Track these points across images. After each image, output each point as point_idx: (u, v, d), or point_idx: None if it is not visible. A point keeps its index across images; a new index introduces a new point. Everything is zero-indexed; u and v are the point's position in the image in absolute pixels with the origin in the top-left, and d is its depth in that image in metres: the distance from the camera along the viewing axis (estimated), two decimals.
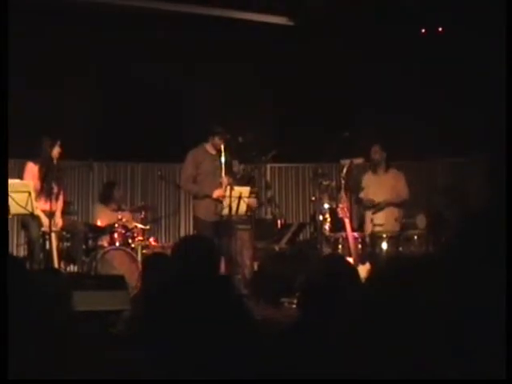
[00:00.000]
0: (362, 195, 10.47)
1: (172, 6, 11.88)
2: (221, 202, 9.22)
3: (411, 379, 1.49)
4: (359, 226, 10.60)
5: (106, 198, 10.72)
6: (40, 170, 9.03)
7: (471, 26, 11.35)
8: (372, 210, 10.32)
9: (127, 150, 12.30)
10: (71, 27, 11.44)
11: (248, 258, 10.05)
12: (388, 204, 10.28)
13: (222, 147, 9.31)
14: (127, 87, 12.04)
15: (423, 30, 12.56)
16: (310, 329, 3.01)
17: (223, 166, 9.27)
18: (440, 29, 12.47)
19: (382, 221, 10.06)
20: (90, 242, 9.93)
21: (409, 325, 1.57)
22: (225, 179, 9.26)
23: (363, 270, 7.17)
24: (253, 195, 9.75)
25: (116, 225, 9.97)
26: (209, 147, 9.60)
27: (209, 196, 9.37)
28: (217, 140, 9.44)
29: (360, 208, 10.76)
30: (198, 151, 9.64)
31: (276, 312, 3.81)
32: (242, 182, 9.74)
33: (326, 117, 12.24)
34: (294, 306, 3.93)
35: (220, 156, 9.29)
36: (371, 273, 2.05)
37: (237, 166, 10.10)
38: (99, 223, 10.26)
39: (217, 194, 9.30)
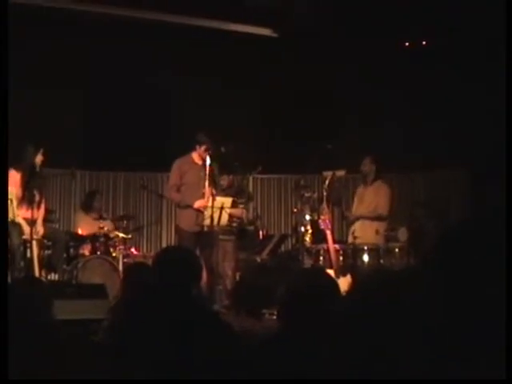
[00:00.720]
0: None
1: (158, 16, 11.88)
2: (202, 213, 9.20)
3: None
4: (342, 238, 10.62)
5: (87, 207, 10.71)
6: (22, 178, 8.99)
7: (455, 39, 11.42)
8: (350, 222, 10.36)
9: (110, 159, 12.28)
10: (58, 37, 11.43)
11: (230, 268, 10.03)
12: (361, 217, 10.26)
13: (208, 158, 9.31)
14: (111, 96, 12.04)
15: (407, 44, 12.63)
16: (290, 341, 3.02)
17: (207, 176, 9.25)
18: (424, 42, 12.54)
19: (359, 233, 10.06)
20: (72, 250, 9.89)
21: (390, 336, 1.59)
22: (208, 190, 9.24)
23: (344, 282, 7.20)
24: (241, 206, 9.77)
25: (97, 234, 9.95)
26: (195, 157, 9.57)
27: (190, 206, 9.36)
28: (202, 149, 9.42)
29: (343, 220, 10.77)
30: (183, 160, 9.62)
31: (256, 323, 3.81)
32: (230, 194, 9.75)
33: (309, 128, 12.27)
34: (275, 317, 3.93)
35: (205, 166, 9.31)
36: (352, 286, 2.07)
37: (226, 179, 10.13)
38: (80, 232, 10.25)
39: (198, 204, 9.27)
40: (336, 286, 3.52)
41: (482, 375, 1.28)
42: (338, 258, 9.61)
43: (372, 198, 10.37)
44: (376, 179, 10.45)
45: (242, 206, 9.95)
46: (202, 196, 9.25)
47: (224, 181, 10.08)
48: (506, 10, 7.57)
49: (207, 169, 9.25)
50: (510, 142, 6.94)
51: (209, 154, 9.31)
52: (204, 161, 9.35)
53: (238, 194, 10.09)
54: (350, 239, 10.09)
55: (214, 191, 9.28)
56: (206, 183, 9.23)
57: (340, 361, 1.74)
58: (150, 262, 5.95)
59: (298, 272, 3.83)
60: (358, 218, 10.27)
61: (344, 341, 1.78)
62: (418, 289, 1.52)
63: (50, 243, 9.46)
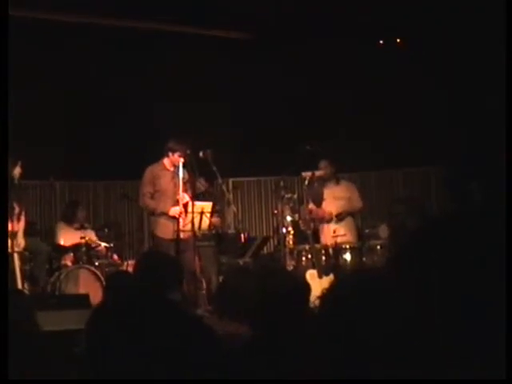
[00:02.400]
0: (312, 207, 10.45)
1: (131, 23, 11.87)
2: (178, 220, 9.12)
3: None
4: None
5: (68, 218, 10.67)
6: None
7: (430, 37, 11.49)
8: (333, 221, 10.34)
9: (89, 168, 12.26)
10: (32, 45, 11.40)
11: (213, 273, 10.03)
12: (338, 213, 10.27)
13: (181, 163, 9.27)
14: (87, 105, 12.03)
15: (381, 42, 12.67)
16: (264, 344, 3.04)
17: (181, 182, 9.20)
18: (398, 40, 12.59)
19: (343, 231, 10.09)
20: (54, 261, 9.87)
21: (369, 336, 1.60)
22: (182, 197, 9.20)
23: (327, 282, 7.22)
24: (215, 214, 9.72)
25: (79, 244, 9.93)
26: (167, 163, 9.51)
27: (165, 213, 9.32)
28: (176, 156, 9.34)
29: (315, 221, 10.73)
30: (155, 167, 9.53)
31: (239, 327, 3.82)
32: (204, 199, 9.71)
33: (287, 130, 12.29)
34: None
35: (178, 172, 9.29)
36: (330, 285, 2.09)
37: (202, 183, 10.07)
38: (62, 242, 10.21)
39: (172, 212, 9.21)
40: (307, 288, 3.55)
41: (482, 375, 1.29)
42: (320, 258, 9.66)
43: (345, 193, 10.36)
44: (339, 180, 10.48)
45: (216, 214, 9.89)
46: (177, 203, 9.20)
47: (201, 185, 10.02)
48: (505, 10, 7.61)
49: (180, 175, 9.19)
50: (510, 141, 6.98)
51: (182, 160, 9.24)
52: (176, 167, 9.30)
53: (215, 200, 10.02)
54: (329, 239, 10.06)
55: (189, 197, 9.22)
56: (180, 190, 9.18)
57: (320, 361, 1.76)
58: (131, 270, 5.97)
59: (266, 275, 3.85)
60: (336, 217, 10.26)
61: (323, 340, 1.79)
62: (399, 286, 1.52)
63: (31, 255, 9.43)
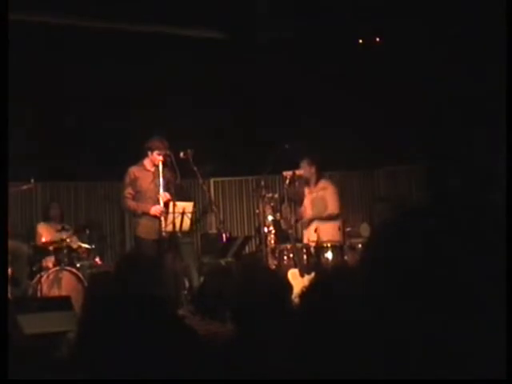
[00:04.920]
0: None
1: (115, 24, 11.85)
2: (159, 219, 9.14)
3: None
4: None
5: (46, 218, 10.79)
6: None
7: (409, 36, 11.52)
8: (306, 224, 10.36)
9: (70, 169, 12.22)
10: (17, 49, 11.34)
11: (194, 270, 10.01)
12: (315, 219, 10.26)
13: (161, 163, 9.28)
14: (69, 104, 11.99)
15: (360, 41, 12.69)
16: (246, 343, 3.06)
17: (161, 182, 9.22)
18: (377, 39, 12.62)
19: (321, 232, 10.08)
20: (35, 263, 9.83)
21: (351, 334, 1.60)
22: (163, 195, 9.22)
23: (308, 280, 7.23)
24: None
25: (60, 245, 9.91)
26: (147, 164, 9.53)
27: (147, 213, 9.31)
28: (155, 155, 9.36)
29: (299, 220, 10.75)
30: (135, 168, 9.56)
31: (221, 326, 3.84)
32: (180, 198, 9.69)
33: (267, 129, 12.31)
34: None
35: (158, 172, 9.27)
36: (311, 283, 2.10)
37: (178, 181, 10.06)
38: (44, 240, 10.19)
39: (153, 211, 9.22)
40: (288, 286, 3.57)
41: (482, 375, 1.29)
42: (301, 257, 9.67)
43: (319, 200, 10.35)
44: (318, 180, 10.46)
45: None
46: (158, 202, 9.22)
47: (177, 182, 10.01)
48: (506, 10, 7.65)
49: (161, 174, 9.21)
50: (510, 141, 7.01)
51: (161, 158, 9.26)
52: (156, 166, 9.32)
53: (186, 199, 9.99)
54: (311, 238, 10.07)
55: (167, 197, 9.22)
56: (161, 189, 9.20)
57: (303, 359, 1.77)
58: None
59: (247, 275, 3.87)
60: (313, 220, 10.27)
61: (305, 339, 1.80)
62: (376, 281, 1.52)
63: (12, 258, 9.38)
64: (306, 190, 10.43)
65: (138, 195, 9.42)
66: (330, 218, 10.26)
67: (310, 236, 10.12)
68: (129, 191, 9.45)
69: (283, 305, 3.06)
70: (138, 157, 9.81)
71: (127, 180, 9.51)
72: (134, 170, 9.53)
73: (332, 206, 10.30)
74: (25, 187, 10.34)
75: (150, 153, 9.40)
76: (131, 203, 9.47)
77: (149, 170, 9.47)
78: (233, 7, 11.48)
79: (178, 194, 9.59)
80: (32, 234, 10.68)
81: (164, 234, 9.10)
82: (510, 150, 6.77)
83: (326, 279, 1.86)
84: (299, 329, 1.82)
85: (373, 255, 1.43)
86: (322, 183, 10.42)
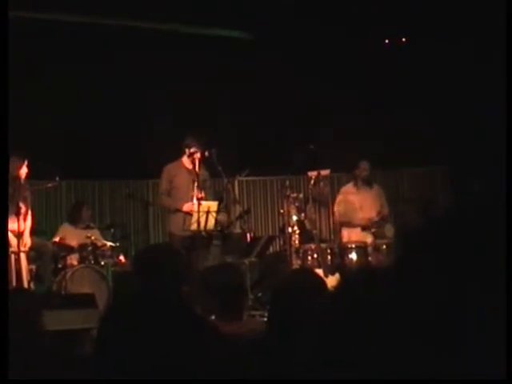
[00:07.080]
0: (337, 209, 10.49)
1: (132, 22, 11.88)
2: (191, 216, 9.19)
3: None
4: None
5: (74, 218, 10.70)
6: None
7: (435, 36, 11.47)
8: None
9: (94, 168, 12.26)
10: (33, 44, 11.42)
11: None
12: (370, 221, 10.34)
13: (197, 162, 9.35)
14: (93, 105, 12.03)
15: (386, 41, 12.66)
16: (278, 343, 3.04)
17: (196, 180, 9.30)
18: (404, 39, 12.58)
19: (355, 232, 10.19)
20: (60, 261, 9.87)
21: (379, 334, 1.59)
22: (196, 193, 9.28)
23: (332, 281, 7.21)
24: (222, 211, 9.75)
25: (85, 243, 9.94)
26: (185, 161, 9.61)
27: (180, 210, 9.37)
28: (192, 151, 9.45)
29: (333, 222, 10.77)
30: (172, 165, 9.66)
31: (241, 326, 3.82)
32: (212, 198, 9.73)
33: (292, 129, 12.30)
34: (265, 319, 3.95)
35: (195, 170, 9.33)
36: (338, 284, 2.08)
37: (208, 181, 10.11)
38: (68, 242, 10.21)
39: (185, 207, 9.29)
40: (324, 285, 3.53)
41: (482, 375, 1.28)
42: (325, 258, 9.65)
43: (377, 201, 10.46)
44: (371, 182, 10.54)
45: (223, 210, 9.93)
46: (192, 199, 9.28)
47: (207, 182, 10.06)
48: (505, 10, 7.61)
49: (196, 172, 9.31)
50: (510, 141, 6.97)
51: (197, 157, 9.36)
52: (194, 165, 9.40)
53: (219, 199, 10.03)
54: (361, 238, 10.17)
55: (200, 195, 9.29)
56: (195, 187, 9.27)
57: (329, 360, 1.75)
58: None
59: (285, 274, 3.86)
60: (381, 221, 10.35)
61: (331, 339, 1.78)
62: (402, 285, 1.51)
63: (37, 255, 9.43)
64: (357, 191, 10.46)
65: (173, 192, 9.52)
66: (384, 218, 10.35)
67: (359, 236, 10.20)
68: (165, 188, 9.57)
69: (313, 303, 3.04)
70: (161, 155, 9.86)
71: (163, 177, 9.63)
72: (171, 167, 9.65)
73: (385, 208, 10.45)
74: (50, 185, 10.37)
75: (186, 149, 9.50)
76: (166, 199, 9.61)
77: (186, 168, 9.54)
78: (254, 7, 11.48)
79: (210, 193, 9.67)
80: (57, 232, 10.71)
81: (196, 231, 9.13)
82: (510, 150, 6.74)
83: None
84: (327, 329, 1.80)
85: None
86: (376, 186, 10.57)
